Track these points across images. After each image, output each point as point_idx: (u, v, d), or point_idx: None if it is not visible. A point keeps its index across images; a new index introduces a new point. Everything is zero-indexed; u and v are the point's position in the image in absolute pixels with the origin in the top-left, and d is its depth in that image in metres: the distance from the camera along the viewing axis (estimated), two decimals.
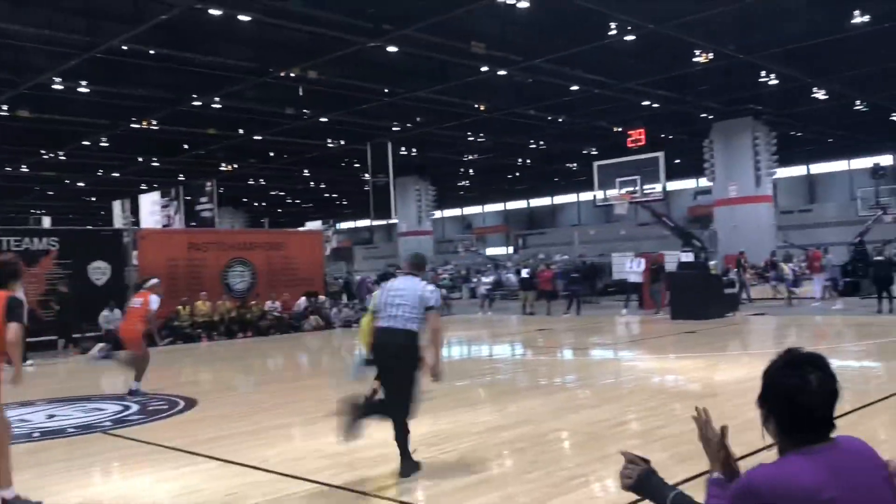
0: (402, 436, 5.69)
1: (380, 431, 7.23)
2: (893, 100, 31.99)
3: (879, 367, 10.56)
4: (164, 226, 32.80)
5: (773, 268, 23.17)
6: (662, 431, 6.67)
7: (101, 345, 14.29)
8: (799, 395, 1.98)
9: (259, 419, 8.20)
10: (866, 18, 21.06)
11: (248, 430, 7.55)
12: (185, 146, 35.21)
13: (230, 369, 13.82)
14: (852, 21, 21.24)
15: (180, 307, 18.68)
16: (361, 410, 5.74)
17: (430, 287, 5.94)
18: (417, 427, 7.29)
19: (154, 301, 10.44)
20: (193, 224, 35.35)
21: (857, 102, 32.07)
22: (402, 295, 5.72)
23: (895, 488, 2.03)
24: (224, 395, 10.56)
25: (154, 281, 10.93)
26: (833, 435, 2.03)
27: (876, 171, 33.39)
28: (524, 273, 24.90)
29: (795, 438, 2.01)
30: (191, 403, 9.24)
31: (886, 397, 7.80)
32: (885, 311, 17.69)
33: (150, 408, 9.05)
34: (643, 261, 21.24)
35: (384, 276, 10.99)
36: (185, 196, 35.46)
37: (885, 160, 47.58)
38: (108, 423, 8.15)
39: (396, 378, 5.69)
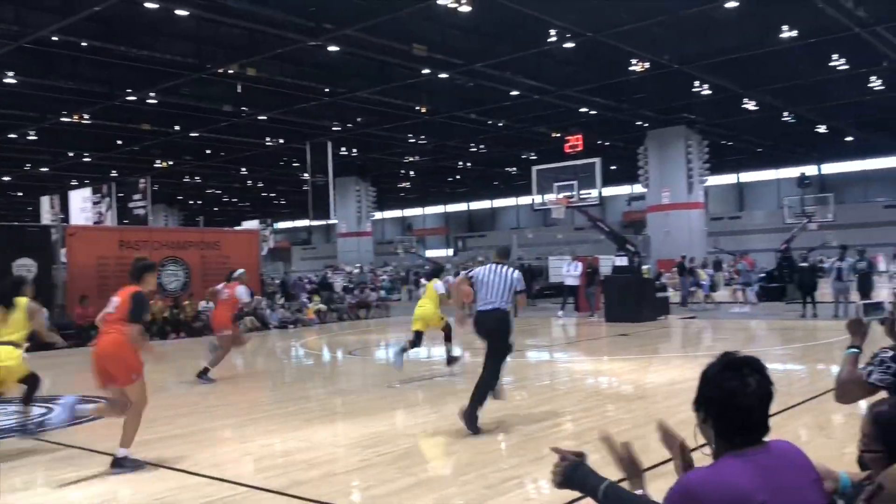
0: (483, 392, 7.06)
1: (314, 435, 7.20)
2: (819, 112, 33.27)
3: (803, 370, 10.94)
4: (95, 223, 31.84)
5: (691, 273, 23.72)
6: (596, 432, 6.78)
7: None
8: (738, 398, 2.01)
9: (189, 422, 8.04)
10: (794, 33, 21.83)
11: (177, 434, 7.40)
12: (119, 142, 34.33)
13: (161, 371, 13.49)
14: (781, 35, 22.00)
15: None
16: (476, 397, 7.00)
17: (517, 274, 7.43)
18: (353, 430, 7.28)
19: (241, 291, 11.47)
20: (126, 222, 34.43)
21: (785, 114, 33.20)
22: (496, 283, 7.23)
23: (823, 491, 2.11)
24: (154, 397, 10.27)
25: (240, 271, 11.90)
26: (766, 438, 2.07)
27: (802, 180, 34.62)
28: (463, 275, 24.99)
29: (732, 441, 2.03)
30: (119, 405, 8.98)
31: (808, 399, 8.08)
32: (808, 316, 18.35)
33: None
34: (580, 264, 21.56)
35: (436, 272, 12.29)
36: (118, 193, 34.49)
37: (811, 170, 49.44)
38: (31, 427, 7.87)
39: (493, 345, 7.22)
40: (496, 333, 7.20)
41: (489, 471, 5.59)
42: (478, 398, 6.96)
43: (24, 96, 25.58)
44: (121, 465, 5.89)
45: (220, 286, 11.78)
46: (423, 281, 12.71)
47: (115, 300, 6.04)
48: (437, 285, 11.18)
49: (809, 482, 2.07)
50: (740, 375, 2.04)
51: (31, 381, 7.04)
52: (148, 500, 5.17)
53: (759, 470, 1.97)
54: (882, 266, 35.69)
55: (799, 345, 13.80)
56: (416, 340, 10.97)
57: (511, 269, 7.48)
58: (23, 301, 6.87)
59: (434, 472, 5.80)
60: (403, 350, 10.70)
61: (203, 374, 10.92)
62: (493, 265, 7.49)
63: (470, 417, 6.84)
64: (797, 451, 2.14)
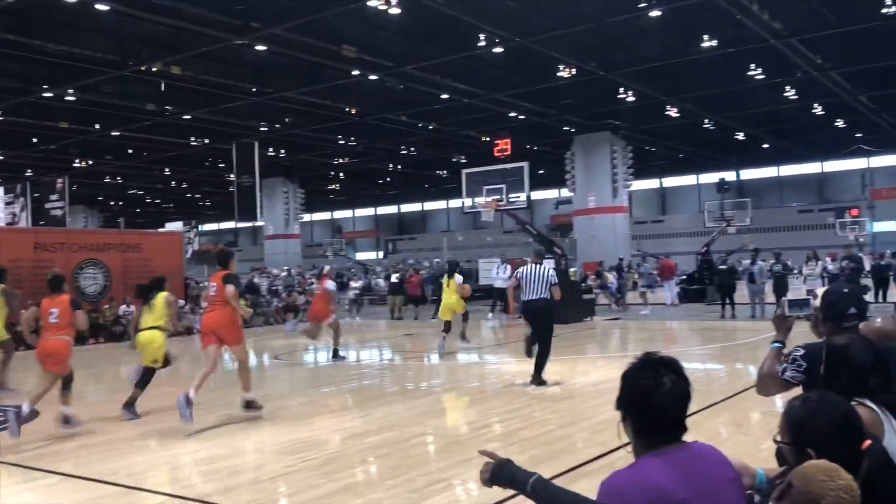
0: (542, 360, 9.74)
1: (238, 441, 7.05)
2: (737, 120, 34.46)
3: (722, 369, 11.28)
4: (8, 224, 30.57)
5: (598, 276, 24.15)
6: (522, 433, 6.85)
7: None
8: (653, 397, 2.06)
9: (107, 430, 7.77)
10: (714, 43, 22.54)
11: (94, 442, 7.14)
12: (34, 140, 33.00)
13: (78, 377, 13.01)
14: (702, 45, 22.69)
15: (24, 311, 17.42)
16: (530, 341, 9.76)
17: (552, 271, 10.06)
18: (278, 436, 7.16)
19: (330, 284, 13.77)
20: (42, 223, 33.16)
21: (706, 121, 34.25)
22: (537, 279, 9.61)
23: (741, 489, 2.16)
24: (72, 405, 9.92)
25: (328, 268, 15.06)
26: (685, 438, 2.12)
27: (721, 185, 35.77)
28: (394, 278, 24.94)
29: (650, 440, 2.08)
30: (31, 414, 8.62)
31: (728, 398, 8.34)
32: (727, 317, 18.95)
33: None
34: (509, 267, 21.71)
35: (452, 268, 14.57)
36: (33, 193, 33.19)
37: (730, 176, 51.16)
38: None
39: (541, 325, 9.74)
40: (541, 318, 9.74)
41: (416, 474, 5.58)
42: (540, 366, 9.69)
43: None
44: (251, 406, 8.14)
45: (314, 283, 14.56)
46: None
47: (213, 285, 8.21)
48: (458, 279, 13.75)
49: (728, 480, 2.12)
50: (656, 375, 2.08)
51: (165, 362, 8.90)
52: None
53: (677, 468, 2.01)
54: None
55: (718, 345, 14.22)
56: (447, 328, 13.51)
57: (548, 268, 10.16)
58: (163, 295, 8.81)
59: (360, 477, 5.75)
60: (443, 339, 13.37)
61: (336, 355, 13.28)
62: (533, 265, 9.88)
63: (539, 381, 9.56)
64: (715, 451, 2.19)
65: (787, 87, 28.40)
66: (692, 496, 1.97)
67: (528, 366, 9.95)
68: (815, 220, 47.63)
